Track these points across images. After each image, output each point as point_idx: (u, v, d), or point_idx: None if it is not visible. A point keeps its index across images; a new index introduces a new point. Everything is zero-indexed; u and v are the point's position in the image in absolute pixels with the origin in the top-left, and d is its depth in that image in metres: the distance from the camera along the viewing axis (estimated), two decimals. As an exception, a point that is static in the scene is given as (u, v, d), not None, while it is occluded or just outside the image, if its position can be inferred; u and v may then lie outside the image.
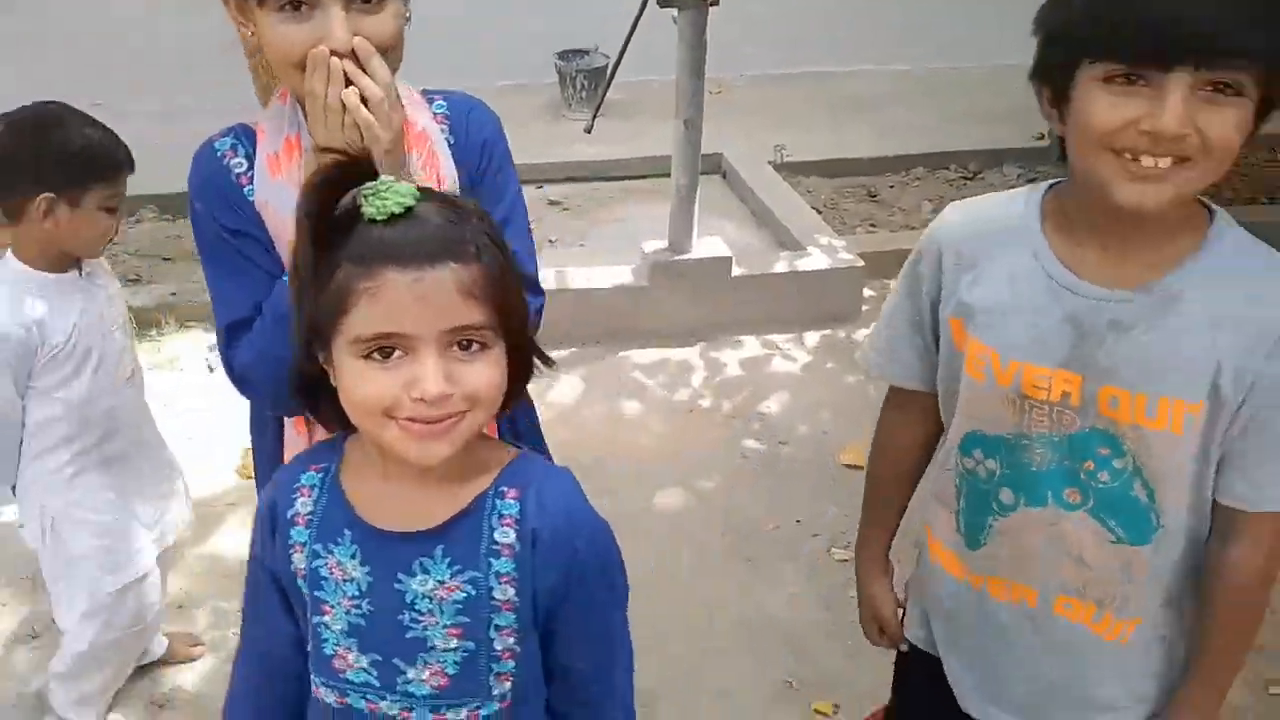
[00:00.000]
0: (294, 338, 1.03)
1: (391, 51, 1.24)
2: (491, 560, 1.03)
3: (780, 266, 3.96)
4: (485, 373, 0.96)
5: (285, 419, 1.41)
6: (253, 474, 2.84)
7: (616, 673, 1.13)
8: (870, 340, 1.38)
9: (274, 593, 1.11)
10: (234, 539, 2.74)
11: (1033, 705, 1.28)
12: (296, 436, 1.40)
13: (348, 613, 1.05)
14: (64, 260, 1.90)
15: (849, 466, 3.05)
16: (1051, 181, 1.20)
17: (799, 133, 5.31)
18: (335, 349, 0.97)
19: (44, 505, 1.97)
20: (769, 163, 5.00)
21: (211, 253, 1.34)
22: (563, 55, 5.84)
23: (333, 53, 1.18)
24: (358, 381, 0.95)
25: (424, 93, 1.39)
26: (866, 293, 4.05)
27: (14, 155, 1.82)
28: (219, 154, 1.33)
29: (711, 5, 3.58)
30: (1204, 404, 1.09)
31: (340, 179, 0.96)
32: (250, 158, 1.32)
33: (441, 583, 1.02)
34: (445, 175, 1.34)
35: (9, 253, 1.89)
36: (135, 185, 1.94)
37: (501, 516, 1.03)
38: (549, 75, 5.86)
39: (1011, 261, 1.18)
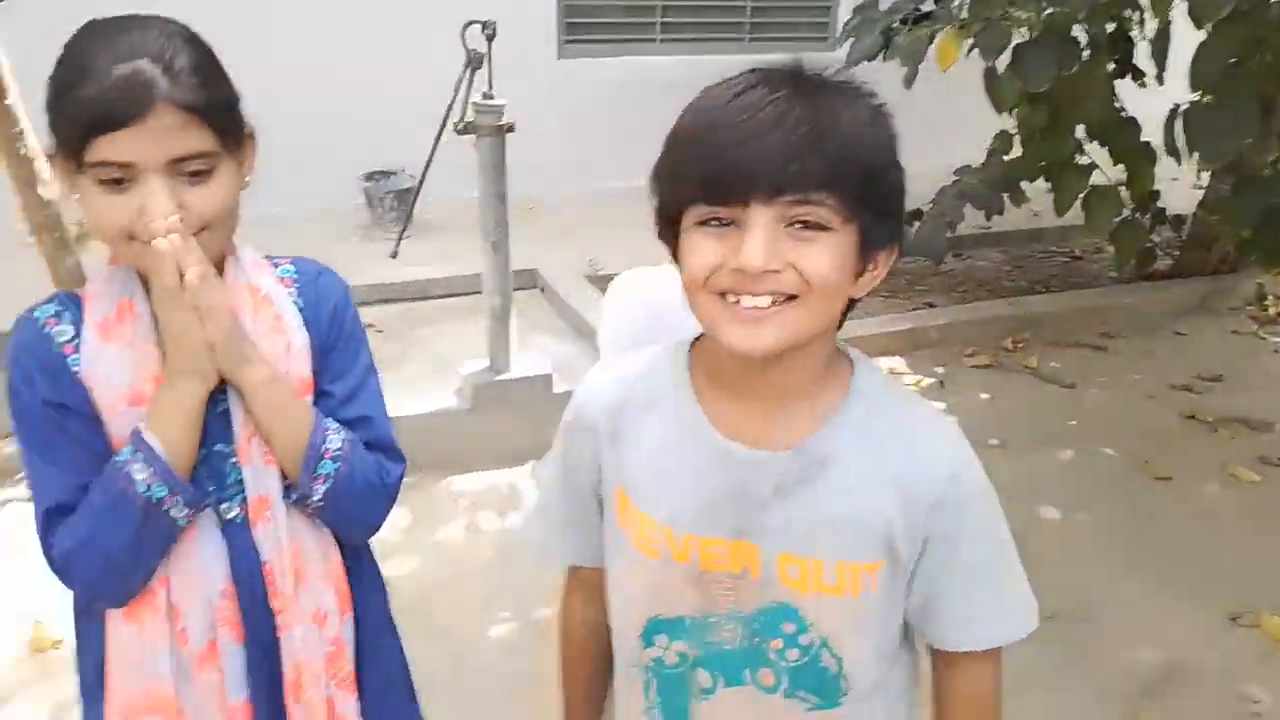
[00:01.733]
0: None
1: (219, 225, 1.20)
2: None
3: (602, 380, 3.96)
4: None
5: (110, 611, 1.26)
6: (45, 648, 2.61)
7: None
8: (535, 527, 1.28)
9: None
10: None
11: None
12: (123, 627, 1.26)
13: None
14: None
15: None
16: (695, 336, 1.12)
17: (613, 245, 5.41)
18: None
19: None
20: (585, 275, 5.07)
21: (29, 430, 1.23)
22: (369, 176, 5.80)
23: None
24: None
25: (268, 258, 1.34)
26: (688, 400, 4.11)
27: None
28: (40, 322, 1.23)
29: (508, 132, 3.63)
30: (883, 562, 1.05)
31: None
32: (77, 324, 1.23)
33: None
34: (294, 337, 1.29)
35: None
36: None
37: None
38: (358, 197, 5.79)
39: (666, 428, 1.10)
